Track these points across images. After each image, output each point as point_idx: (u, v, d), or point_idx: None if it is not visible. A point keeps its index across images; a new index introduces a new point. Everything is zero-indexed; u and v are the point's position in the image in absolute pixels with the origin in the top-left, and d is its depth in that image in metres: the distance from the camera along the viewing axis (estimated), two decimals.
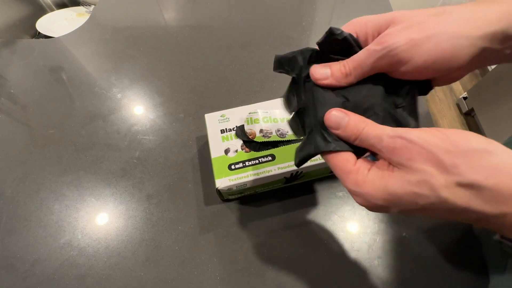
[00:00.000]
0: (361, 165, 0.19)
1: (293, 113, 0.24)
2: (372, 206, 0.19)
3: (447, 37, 0.18)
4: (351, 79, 0.21)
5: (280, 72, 0.24)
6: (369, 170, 0.19)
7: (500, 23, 0.18)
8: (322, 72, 0.21)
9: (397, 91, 0.21)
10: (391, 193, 0.17)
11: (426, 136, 0.17)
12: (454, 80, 0.21)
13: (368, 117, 0.20)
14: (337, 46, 0.21)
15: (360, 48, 0.21)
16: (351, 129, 0.20)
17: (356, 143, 0.20)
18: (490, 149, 0.16)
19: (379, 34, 0.20)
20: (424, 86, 0.21)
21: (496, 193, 0.15)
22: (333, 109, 0.21)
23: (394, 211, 0.18)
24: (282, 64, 0.24)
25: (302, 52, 0.23)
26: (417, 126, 0.21)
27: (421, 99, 0.47)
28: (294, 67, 0.23)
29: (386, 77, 0.21)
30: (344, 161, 0.20)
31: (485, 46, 0.18)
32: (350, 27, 0.22)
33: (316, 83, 0.22)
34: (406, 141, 0.17)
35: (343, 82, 0.21)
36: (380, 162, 0.19)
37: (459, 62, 0.19)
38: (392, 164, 0.18)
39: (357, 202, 0.19)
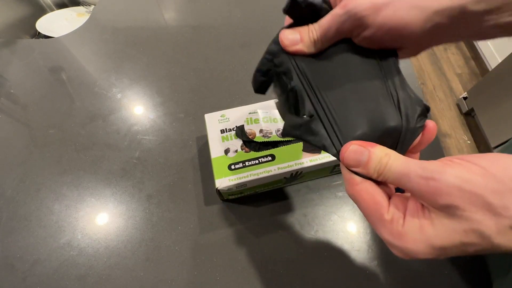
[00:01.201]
0: (395, 212, 0.17)
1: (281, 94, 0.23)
2: (413, 258, 0.16)
3: (405, 5, 0.17)
4: (319, 46, 0.20)
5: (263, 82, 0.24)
6: (404, 218, 0.16)
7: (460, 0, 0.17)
8: (291, 38, 0.21)
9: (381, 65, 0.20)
10: (437, 248, 0.15)
11: (465, 175, 0.14)
12: (412, 54, 0.21)
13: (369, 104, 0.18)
14: (306, 11, 0.20)
15: (331, 8, 0.20)
16: (374, 166, 0.17)
17: (380, 179, 0.17)
18: None
19: None
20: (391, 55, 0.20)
21: None
22: (351, 142, 0.18)
23: (444, 257, 0.16)
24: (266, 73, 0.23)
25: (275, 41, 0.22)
26: (421, 103, 0.19)
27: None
28: (280, 63, 0.22)
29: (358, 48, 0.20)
30: (375, 205, 0.17)
31: (440, 22, 0.17)
32: None
33: (286, 50, 0.21)
34: (444, 185, 0.14)
35: (312, 49, 0.20)
36: (412, 206, 0.17)
37: (413, 33, 0.18)
38: (427, 207, 0.16)
39: (395, 254, 0.17)
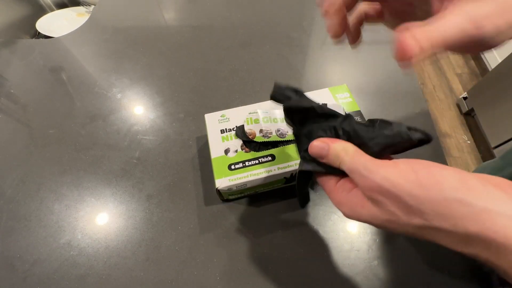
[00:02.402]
0: (341, 185, 0.22)
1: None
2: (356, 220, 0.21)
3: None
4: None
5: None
6: (349, 191, 0.21)
7: None
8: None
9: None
10: (366, 221, 0.20)
11: (393, 178, 0.17)
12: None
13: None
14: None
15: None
16: (332, 158, 0.21)
17: (342, 169, 0.21)
18: (461, 198, 0.16)
19: None
20: None
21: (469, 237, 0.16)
22: (316, 139, 0.22)
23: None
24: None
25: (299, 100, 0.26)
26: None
27: (421, 99, 0.47)
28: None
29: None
30: (326, 180, 0.23)
31: None
32: None
33: None
34: (374, 184, 0.18)
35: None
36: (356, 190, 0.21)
37: None
38: (367, 197, 0.20)
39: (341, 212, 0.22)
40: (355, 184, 0.21)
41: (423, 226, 0.17)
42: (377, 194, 0.18)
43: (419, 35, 0.17)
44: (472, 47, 0.17)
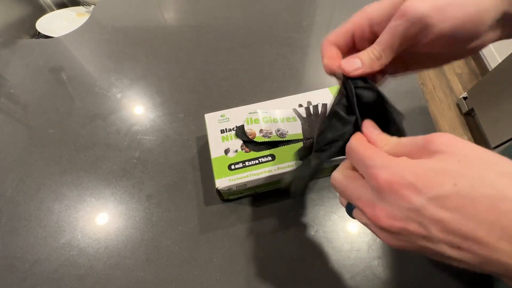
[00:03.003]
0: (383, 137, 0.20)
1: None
2: (393, 185, 0.16)
3: (470, 0, 0.18)
4: (383, 61, 0.21)
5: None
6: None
7: None
8: (352, 63, 0.21)
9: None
10: (427, 168, 0.16)
11: (461, 141, 0.16)
12: (471, 53, 0.21)
13: None
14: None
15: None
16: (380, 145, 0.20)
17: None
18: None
19: (389, 17, 0.20)
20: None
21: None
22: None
23: (418, 201, 0.15)
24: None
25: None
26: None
27: (421, 99, 0.47)
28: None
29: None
30: (366, 143, 0.20)
31: (506, 10, 0.18)
32: (349, 26, 0.22)
33: (349, 76, 0.22)
34: (446, 142, 0.16)
35: (375, 66, 0.21)
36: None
37: (484, 26, 0.18)
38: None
39: (374, 176, 0.17)
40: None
41: (502, 173, 0.14)
42: (445, 145, 0.16)
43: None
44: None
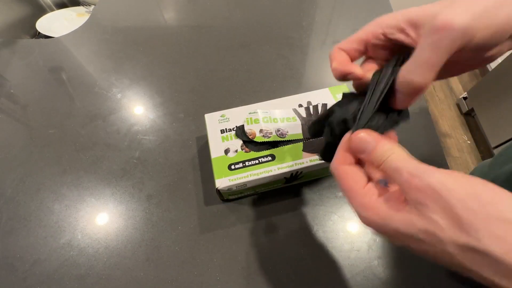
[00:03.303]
0: (370, 189, 0.19)
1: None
2: (374, 231, 0.18)
3: (498, 4, 0.17)
4: (429, 81, 0.19)
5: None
6: (378, 196, 0.18)
7: None
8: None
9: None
10: (393, 229, 0.17)
11: (449, 183, 0.15)
12: (488, 62, 0.20)
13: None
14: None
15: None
16: (376, 157, 0.19)
17: (378, 167, 0.19)
18: None
19: (414, 25, 0.19)
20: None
21: None
22: (361, 130, 0.20)
23: (396, 243, 0.17)
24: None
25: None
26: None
27: (421, 99, 0.47)
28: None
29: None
30: (353, 181, 0.19)
31: None
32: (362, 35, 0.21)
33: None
34: (425, 185, 0.15)
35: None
36: (397, 191, 0.18)
37: (508, 34, 0.17)
38: (407, 200, 0.17)
39: (360, 220, 0.19)
40: (387, 190, 0.19)
41: (468, 246, 0.14)
42: (424, 196, 0.15)
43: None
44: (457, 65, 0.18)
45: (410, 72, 0.18)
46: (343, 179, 0.20)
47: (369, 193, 0.19)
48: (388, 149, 0.18)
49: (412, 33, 0.19)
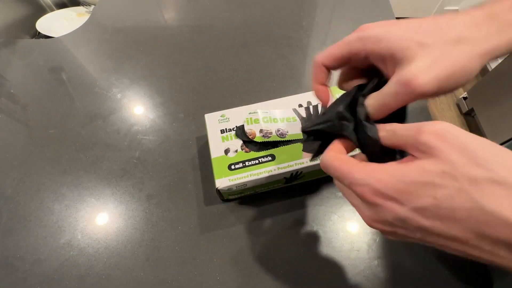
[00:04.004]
0: (362, 158, 0.20)
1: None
2: (377, 199, 0.17)
3: (467, 64, 0.18)
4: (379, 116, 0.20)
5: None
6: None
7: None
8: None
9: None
10: (407, 181, 0.16)
11: (454, 128, 0.16)
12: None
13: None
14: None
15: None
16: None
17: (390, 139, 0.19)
18: None
19: (394, 60, 0.19)
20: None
21: None
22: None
23: (401, 212, 0.16)
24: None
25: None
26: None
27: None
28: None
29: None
30: (348, 159, 0.19)
31: (488, 59, 0.18)
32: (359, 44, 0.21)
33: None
34: (435, 130, 0.16)
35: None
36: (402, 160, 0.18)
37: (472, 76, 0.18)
38: (416, 154, 0.17)
39: (359, 193, 0.18)
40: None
41: (486, 179, 0.14)
42: (436, 139, 0.15)
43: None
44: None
45: (371, 106, 0.20)
46: (336, 162, 0.19)
47: (371, 163, 0.18)
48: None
49: (389, 67, 0.19)
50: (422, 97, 0.18)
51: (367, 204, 0.18)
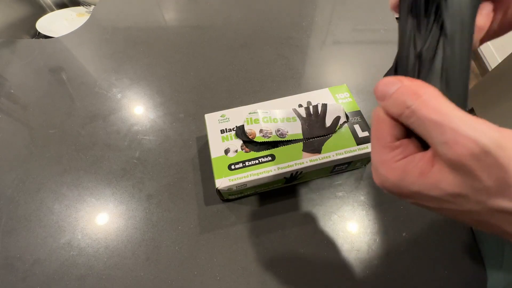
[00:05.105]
0: (399, 147, 0.16)
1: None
2: (385, 188, 0.16)
3: None
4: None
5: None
6: (405, 157, 0.15)
7: None
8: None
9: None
10: (413, 192, 0.14)
11: (504, 142, 0.12)
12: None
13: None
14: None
15: None
16: (395, 102, 0.15)
17: (402, 121, 0.15)
18: None
19: None
20: None
21: None
22: (388, 77, 0.16)
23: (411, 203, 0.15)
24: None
25: None
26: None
27: None
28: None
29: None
30: (381, 130, 0.16)
31: None
32: None
33: None
34: (472, 142, 0.12)
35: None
36: (420, 155, 0.15)
37: None
38: (437, 160, 0.14)
39: (374, 179, 0.17)
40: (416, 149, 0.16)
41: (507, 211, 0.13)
42: (471, 159, 0.12)
43: None
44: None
45: None
46: (373, 126, 0.17)
47: (396, 151, 0.16)
48: (413, 92, 0.14)
49: None
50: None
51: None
